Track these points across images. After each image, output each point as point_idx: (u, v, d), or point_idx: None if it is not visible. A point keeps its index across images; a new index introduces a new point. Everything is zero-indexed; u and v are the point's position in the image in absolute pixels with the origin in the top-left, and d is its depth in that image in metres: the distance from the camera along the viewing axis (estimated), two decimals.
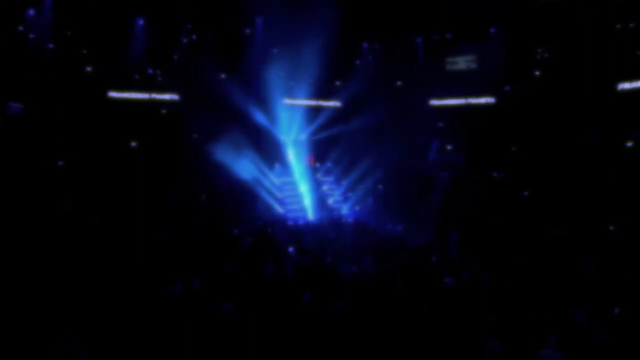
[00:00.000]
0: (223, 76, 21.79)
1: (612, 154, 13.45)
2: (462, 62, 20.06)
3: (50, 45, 18.19)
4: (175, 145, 18.12)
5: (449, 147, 18.54)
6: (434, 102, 20.30)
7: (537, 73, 18.48)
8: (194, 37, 22.01)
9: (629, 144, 13.42)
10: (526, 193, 13.70)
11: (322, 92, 21.03)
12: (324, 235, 11.53)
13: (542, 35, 18.40)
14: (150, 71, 21.47)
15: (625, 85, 15.55)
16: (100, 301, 7.29)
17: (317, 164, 18.34)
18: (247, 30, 21.59)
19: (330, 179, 17.97)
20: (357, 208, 16.06)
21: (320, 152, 18.63)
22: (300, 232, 11.70)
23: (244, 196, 15.70)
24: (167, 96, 19.88)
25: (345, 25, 22.53)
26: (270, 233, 11.64)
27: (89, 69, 18.76)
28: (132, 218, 14.55)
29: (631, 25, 16.74)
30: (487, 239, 10.35)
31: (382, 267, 8.45)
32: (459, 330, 5.90)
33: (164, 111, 20.30)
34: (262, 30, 21.17)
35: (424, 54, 21.02)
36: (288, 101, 20.01)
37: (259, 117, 19.44)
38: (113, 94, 18.27)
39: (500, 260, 8.70)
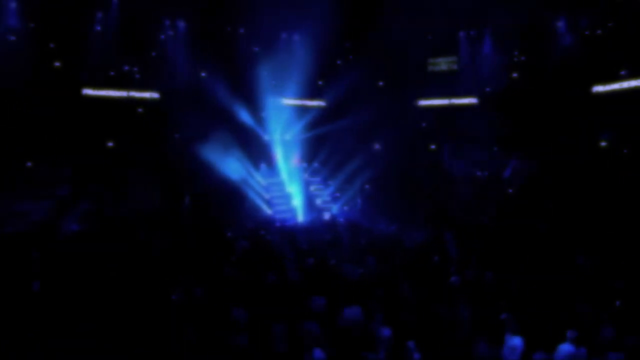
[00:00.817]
0: (203, 74, 21.31)
1: (588, 153, 14.18)
2: (443, 63, 20.52)
3: (12, 38, 16.98)
4: (156, 145, 17.50)
5: (432, 147, 18.95)
6: (422, 103, 20.65)
7: (515, 75, 19.21)
8: (170, 32, 21.34)
9: (603, 143, 14.17)
10: (510, 191, 14.18)
11: (306, 91, 20.93)
12: (319, 236, 11.42)
13: (518, 39, 19.14)
14: (127, 68, 20.62)
15: (599, 88, 16.45)
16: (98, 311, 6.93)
17: (305, 164, 18.21)
18: (229, 28, 21.18)
19: (317, 179, 17.90)
20: (345, 208, 16.09)
21: (307, 152, 18.52)
22: (294, 234, 11.54)
23: (231, 197, 15.36)
24: (146, 94, 19.14)
25: (324, 24, 22.54)
26: (264, 235, 11.42)
27: (57, 64, 17.74)
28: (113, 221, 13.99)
29: (598, 31, 17.77)
30: (480, 237, 10.61)
31: (385, 268, 8.46)
32: (477, 329, 5.99)
33: (140, 110, 19.56)
34: (245, 28, 20.83)
35: (406, 54, 21.33)
36: (274, 100, 19.79)
37: (244, 117, 19.11)
38: (88, 92, 17.38)
39: (499, 259, 8.93)
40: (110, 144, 17.68)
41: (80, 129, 16.28)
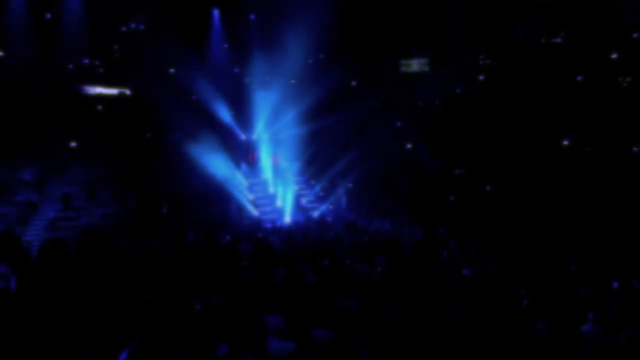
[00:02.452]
0: (172, 70, 20.59)
1: (552, 151, 15.70)
2: (415, 65, 21.45)
3: None
4: (126, 145, 16.56)
5: (409, 146, 19.75)
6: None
7: (481, 77, 20.64)
8: (142, 26, 20.38)
9: (565, 142, 15.75)
10: (488, 188, 15.29)
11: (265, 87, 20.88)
12: (318, 236, 11.55)
13: (484, 43, 20.59)
14: (87, 61, 19.35)
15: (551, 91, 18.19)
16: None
17: (286, 164, 18.15)
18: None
19: (300, 179, 17.93)
20: (331, 207, 16.32)
21: (287, 151, 18.47)
22: (293, 235, 11.56)
23: (215, 199, 14.95)
24: (114, 90, 18.06)
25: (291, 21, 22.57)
26: (263, 237, 11.32)
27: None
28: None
29: (553, 40, 19.66)
30: (474, 232, 11.36)
31: (399, 266, 8.80)
32: (503, 317, 6.50)
33: (100, 107, 18.41)
34: (220, 23, 20.35)
35: (379, 55, 22.00)
36: (249, 97, 19.55)
37: (223, 115, 18.67)
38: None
39: (496, 251, 9.65)
40: (72, 144, 16.47)
41: (41, 127, 15.01)
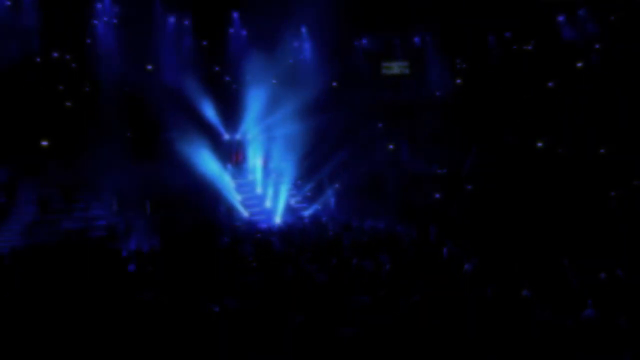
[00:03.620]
0: (150, 67, 20.08)
1: (528, 152, 16.88)
2: (396, 67, 22.16)
3: None
4: (106, 144, 15.99)
5: (390, 147, 20.42)
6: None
7: (459, 81, 21.71)
8: (114, 20, 19.71)
9: (539, 144, 16.99)
10: (469, 187, 16.18)
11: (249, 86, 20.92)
12: (318, 236, 11.79)
13: (461, 48, 21.66)
14: (56, 55, 18.49)
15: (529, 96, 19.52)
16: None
17: (272, 165, 18.18)
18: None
19: (287, 179, 18.03)
20: (319, 207, 16.60)
21: (273, 152, 18.53)
22: (292, 235, 11.73)
23: (204, 200, 14.77)
24: (89, 86, 17.36)
25: (273, 21, 22.76)
26: (263, 238, 11.40)
27: None
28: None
29: (525, 47, 21.04)
30: (465, 229, 12.05)
31: (404, 264, 9.24)
32: (509, 308, 7.08)
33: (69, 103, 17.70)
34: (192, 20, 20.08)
35: (361, 56, 22.55)
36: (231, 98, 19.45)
37: (203, 114, 18.41)
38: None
39: (488, 247, 10.32)
40: (44, 142, 15.68)
41: (11, 125, 14.20)
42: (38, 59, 17.91)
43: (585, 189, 13.61)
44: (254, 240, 11.11)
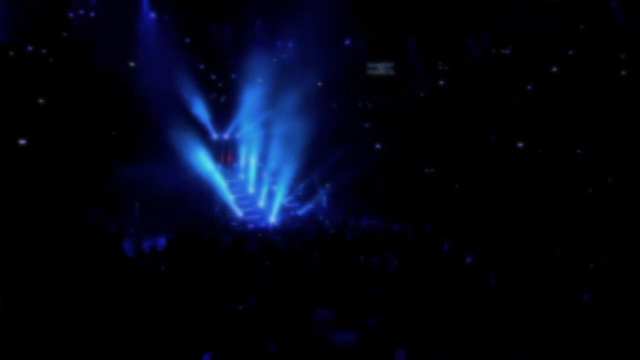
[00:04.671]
0: (132, 64, 19.82)
1: (509, 152, 18.03)
2: (381, 68, 22.89)
3: None
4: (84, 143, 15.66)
5: (378, 146, 21.07)
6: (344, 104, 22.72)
7: (441, 83, 22.72)
8: (92, 14, 19.31)
9: (520, 144, 18.15)
10: (457, 186, 17.09)
11: (234, 86, 21.08)
12: (316, 234, 12.14)
13: (443, 50, 22.68)
14: (31, 48, 17.89)
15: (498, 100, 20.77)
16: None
17: (260, 164, 18.34)
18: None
19: (276, 179, 18.26)
20: (312, 207, 16.97)
21: (260, 152, 18.70)
22: (294, 234, 12.02)
23: (197, 199, 14.76)
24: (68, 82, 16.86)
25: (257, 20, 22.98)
26: (266, 237, 11.63)
27: None
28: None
29: (504, 51, 22.34)
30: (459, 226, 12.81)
31: (411, 259, 9.77)
32: (515, 295, 7.74)
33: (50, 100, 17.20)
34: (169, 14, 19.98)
35: (346, 57, 23.09)
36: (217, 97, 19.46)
37: (190, 113, 18.34)
38: None
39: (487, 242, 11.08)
40: (21, 141, 15.11)
41: None
42: (12, 53, 17.23)
43: (565, 187, 14.78)
44: (259, 240, 11.31)
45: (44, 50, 18.08)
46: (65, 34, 19.03)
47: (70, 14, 19.70)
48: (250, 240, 11.00)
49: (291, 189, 17.71)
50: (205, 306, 7.35)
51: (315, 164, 18.07)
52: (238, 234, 12.00)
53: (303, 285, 8.26)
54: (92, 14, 20.07)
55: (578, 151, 16.69)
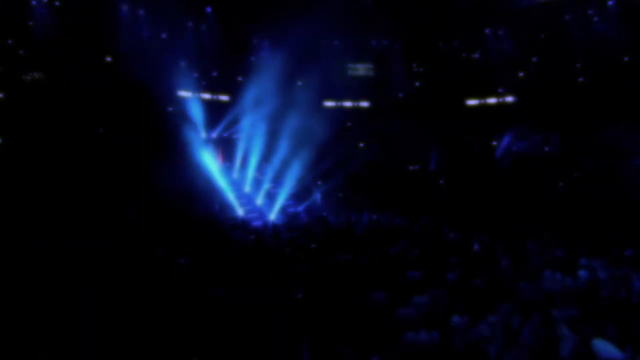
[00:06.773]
0: (109, 59, 19.51)
1: (485, 151, 20.19)
2: (362, 69, 24.24)
3: None
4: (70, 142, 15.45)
5: (361, 145, 22.44)
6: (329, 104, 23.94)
7: (417, 84, 24.58)
8: (57, 3, 18.74)
9: (494, 143, 20.38)
10: (442, 182, 18.87)
11: (220, 86, 21.45)
12: (323, 230, 13.14)
13: (418, 53, 24.52)
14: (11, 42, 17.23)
15: (471, 102, 23.07)
16: None
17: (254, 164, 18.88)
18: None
19: (269, 178, 18.90)
20: (308, 204, 17.86)
21: (255, 152, 19.22)
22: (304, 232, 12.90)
23: (197, 197, 15.08)
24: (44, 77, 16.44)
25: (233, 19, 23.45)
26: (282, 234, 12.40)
27: None
28: None
29: (474, 55, 24.62)
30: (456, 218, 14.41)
31: (426, 248, 11.09)
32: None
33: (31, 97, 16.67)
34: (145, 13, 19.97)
35: (326, 58, 24.14)
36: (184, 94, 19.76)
37: (181, 112, 18.48)
38: None
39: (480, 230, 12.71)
40: None
41: None
42: None
43: (537, 182, 17.03)
44: (277, 237, 12.05)
45: (10, 41, 17.32)
46: (30, 23, 18.21)
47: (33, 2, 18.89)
48: (270, 238, 11.74)
49: (288, 188, 18.47)
50: (254, 300, 8.10)
51: (311, 162, 18.96)
52: (254, 231, 12.66)
53: (350, 273, 9.28)
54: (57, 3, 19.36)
55: (546, 149, 19.19)
